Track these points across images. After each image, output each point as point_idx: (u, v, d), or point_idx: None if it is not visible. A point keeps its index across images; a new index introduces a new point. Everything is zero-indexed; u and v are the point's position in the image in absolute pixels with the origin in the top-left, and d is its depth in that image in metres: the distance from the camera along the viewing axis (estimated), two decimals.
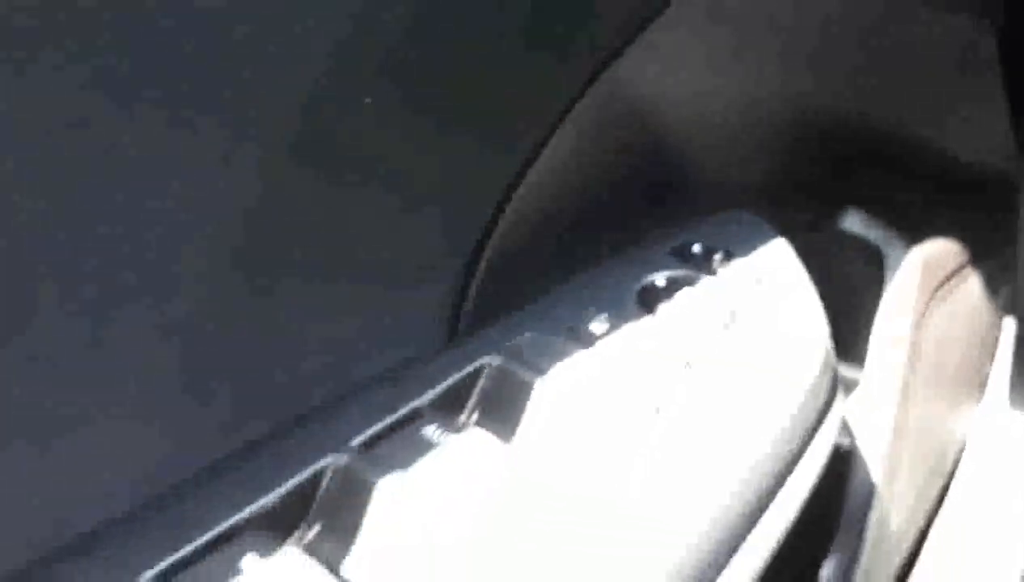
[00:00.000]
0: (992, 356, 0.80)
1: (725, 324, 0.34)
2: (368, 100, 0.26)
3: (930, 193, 0.62)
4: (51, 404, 0.23)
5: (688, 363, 0.32)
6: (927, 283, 0.56)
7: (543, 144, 0.33)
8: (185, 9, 0.23)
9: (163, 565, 0.23)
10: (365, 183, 0.28)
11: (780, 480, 0.31)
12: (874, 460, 0.52)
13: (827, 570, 0.53)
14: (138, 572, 0.23)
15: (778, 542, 0.32)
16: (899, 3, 0.44)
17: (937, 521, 0.74)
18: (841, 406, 0.36)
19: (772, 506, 0.31)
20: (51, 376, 0.23)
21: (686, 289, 0.36)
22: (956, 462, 0.77)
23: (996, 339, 0.80)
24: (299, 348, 0.28)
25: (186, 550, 0.24)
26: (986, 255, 0.69)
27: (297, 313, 0.28)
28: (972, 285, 0.67)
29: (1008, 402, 0.80)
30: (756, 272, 0.37)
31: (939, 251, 0.59)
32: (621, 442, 0.29)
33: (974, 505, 0.77)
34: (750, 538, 0.30)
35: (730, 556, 0.29)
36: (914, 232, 0.58)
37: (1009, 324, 0.81)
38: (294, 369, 0.28)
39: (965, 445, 0.79)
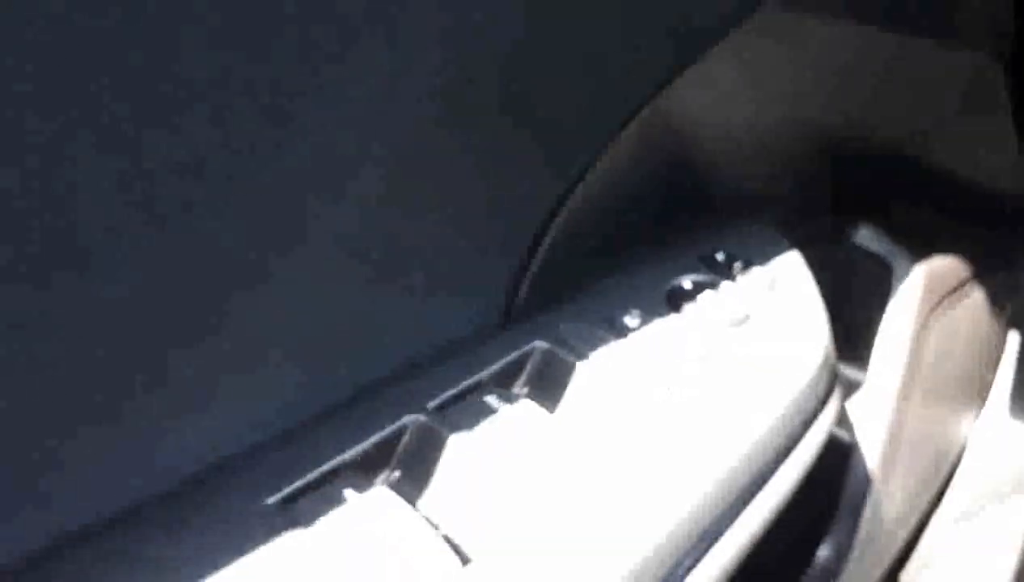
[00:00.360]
0: (995, 367, 0.85)
1: (739, 324, 0.40)
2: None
3: (937, 212, 0.67)
4: (199, 352, 0.29)
5: (704, 356, 0.38)
6: (929, 296, 0.61)
7: (593, 162, 0.39)
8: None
9: (285, 492, 0.29)
10: (448, 192, 0.34)
11: (779, 459, 0.37)
12: (872, 454, 0.58)
13: (824, 551, 0.58)
14: (266, 497, 0.29)
15: (775, 512, 0.37)
16: (913, 42, 0.49)
17: (934, 519, 0.79)
18: (838, 400, 0.42)
19: (772, 480, 0.37)
20: (207, 324, 0.29)
21: (708, 292, 0.42)
22: (955, 464, 0.82)
23: (1000, 351, 0.85)
24: (391, 323, 0.34)
25: (301, 482, 0.30)
26: (991, 272, 0.73)
27: (395, 301, 0.34)
28: (975, 299, 0.71)
29: (1008, 411, 0.85)
30: (769, 279, 0.43)
31: (943, 266, 0.64)
32: (644, 417, 0.35)
33: (971, 507, 0.82)
34: (750, 507, 0.36)
35: (732, 521, 0.35)
36: (920, 248, 0.63)
37: (1013, 337, 0.86)
38: (385, 341, 0.34)
39: (965, 449, 0.83)
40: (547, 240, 0.39)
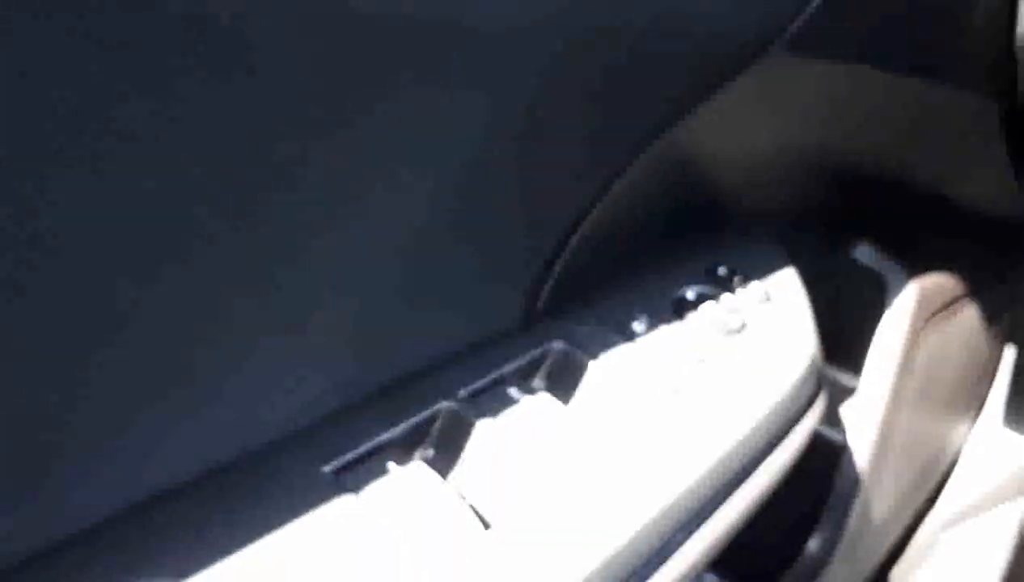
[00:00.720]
0: (991, 378, 0.89)
1: (736, 332, 0.45)
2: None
3: (934, 231, 0.71)
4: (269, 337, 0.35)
5: (703, 359, 0.43)
6: (921, 310, 0.66)
7: (611, 183, 0.44)
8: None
9: (339, 463, 0.35)
10: (480, 209, 0.39)
11: (766, 452, 0.42)
12: (861, 454, 0.63)
13: (813, 543, 0.63)
14: (322, 467, 0.35)
15: (760, 499, 0.42)
16: (911, 81, 0.54)
17: (926, 521, 0.83)
18: (823, 401, 0.47)
19: (758, 470, 0.42)
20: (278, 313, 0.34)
21: (710, 302, 0.47)
22: (949, 470, 0.86)
23: (996, 363, 0.89)
24: (429, 323, 0.39)
25: (352, 455, 0.35)
26: (985, 288, 0.78)
27: (434, 304, 0.39)
28: (969, 314, 0.76)
29: (1003, 421, 0.89)
30: (765, 293, 0.48)
31: (936, 283, 0.68)
32: (645, 412, 0.40)
33: (963, 511, 0.86)
34: (737, 493, 0.41)
35: (720, 503, 0.40)
36: (916, 265, 0.67)
37: (1009, 351, 0.90)
38: (424, 338, 0.39)
39: (959, 456, 0.87)
40: (567, 252, 0.44)
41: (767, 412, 0.42)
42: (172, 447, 0.33)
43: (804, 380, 0.45)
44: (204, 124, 0.28)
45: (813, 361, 0.45)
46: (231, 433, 0.35)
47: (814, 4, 0.41)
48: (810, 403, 0.46)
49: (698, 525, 0.38)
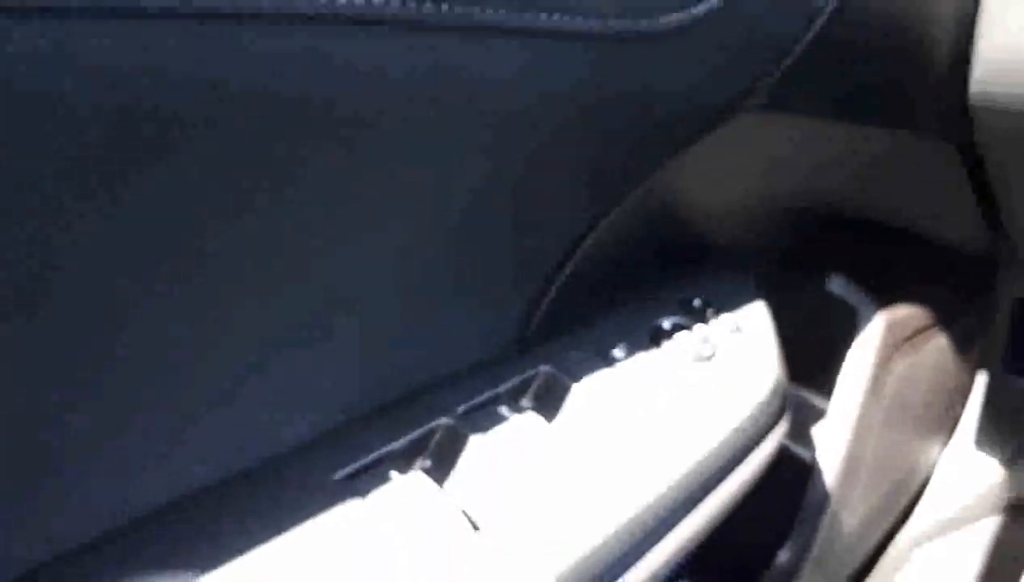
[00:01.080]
0: (963, 403, 0.94)
1: (706, 359, 0.49)
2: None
3: (904, 264, 0.76)
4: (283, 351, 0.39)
5: (676, 384, 0.47)
6: (890, 338, 0.70)
7: (597, 222, 0.49)
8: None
9: (347, 471, 0.39)
10: (476, 243, 0.44)
11: (730, 467, 0.47)
12: (830, 472, 0.67)
13: (782, 556, 0.67)
14: (332, 474, 0.39)
15: (725, 511, 0.47)
16: (879, 132, 0.59)
17: (898, 538, 0.88)
18: (787, 423, 0.51)
19: (723, 484, 0.46)
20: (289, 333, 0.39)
21: (684, 332, 0.51)
22: (921, 489, 0.91)
23: (969, 388, 0.94)
24: (430, 346, 0.44)
25: (359, 464, 0.40)
26: (956, 317, 0.82)
27: (435, 329, 0.44)
28: (940, 342, 0.80)
29: (974, 444, 0.93)
30: (736, 323, 0.53)
31: (905, 313, 0.73)
32: (622, 431, 0.45)
33: (934, 530, 0.90)
34: (703, 504, 0.45)
35: (688, 513, 0.44)
36: (887, 296, 0.72)
37: (981, 376, 0.95)
38: (425, 359, 0.44)
39: (932, 475, 0.92)
40: (555, 284, 0.49)
41: (732, 431, 0.47)
42: (193, 453, 0.37)
43: (768, 403, 0.49)
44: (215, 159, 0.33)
45: (777, 386, 0.50)
46: (249, 442, 0.39)
47: (784, 66, 0.46)
48: (774, 423, 0.50)
49: (669, 529, 0.43)
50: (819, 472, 0.67)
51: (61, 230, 0.28)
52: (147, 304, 0.33)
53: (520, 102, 0.37)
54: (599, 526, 0.40)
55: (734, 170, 0.54)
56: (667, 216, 0.55)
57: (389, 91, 0.32)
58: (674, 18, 0.38)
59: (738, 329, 0.52)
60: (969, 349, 0.88)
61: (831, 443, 0.67)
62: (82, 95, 0.25)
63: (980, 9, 0.51)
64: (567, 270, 0.49)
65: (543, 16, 0.34)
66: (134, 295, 0.32)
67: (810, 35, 0.45)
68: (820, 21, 0.45)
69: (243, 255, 0.35)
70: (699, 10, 0.38)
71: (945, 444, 0.92)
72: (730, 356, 0.50)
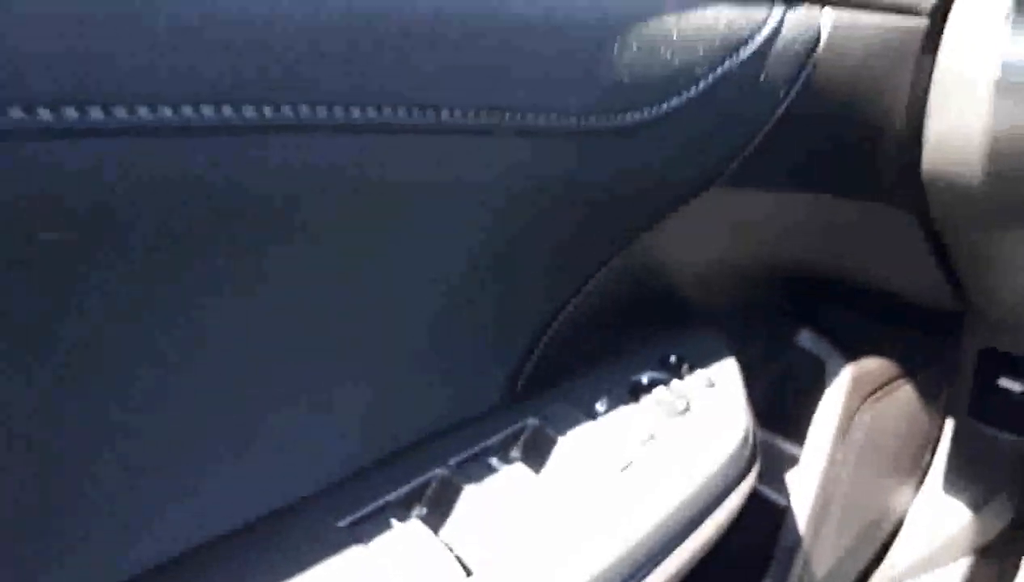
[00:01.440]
0: (932, 450, 0.98)
1: (682, 413, 0.54)
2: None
3: (871, 319, 0.80)
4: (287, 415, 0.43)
5: (653, 436, 0.51)
6: (857, 389, 0.75)
7: (580, 288, 0.53)
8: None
9: (351, 518, 0.43)
10: (470, 309, 0.48)
11: (705, 513, 0.51)
12: (802, 515, 0.71)
13: None
14: (337, 521, 0.43)
15: (700, 553, 0.51)
16: (845, 202, 0.63)
17: (871, 580, 0.91)
18: (756, 471, 0.55)
19: (698, 529, 0.50)
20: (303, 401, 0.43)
21: (661, 387, 0.56)
22: (893, 533, 0.94)
23: (937, 435, 0.98)
24: (430, 403, 0.48)
25: (362, 512, 0.44)
26: (922, 367, 0.87)
27: (434, 387, 0.48)
28: (907, 391, 0.85)
29: (943, 489, 0.97)
30: (709, 378, 0.57)
31: (872, 365, 0.77)
32: (603, 480, 0.48)
33: (906, 573, 0.94)
34: (679, 548, 0.49)
35: (664, 557, 0.48)
36: (854, 349, 0.77)
37: (949, 423, 0.99)
38: (423, 414, 0.48)
39: (903, 519, 0.96)
40: (541, 344, 0.53)
41: (706, 479, 0.51)
42: (206, 504, 0.41)
43: (738, 454, 0.53)
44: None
45: (746, 438, 0.54)
46: (257, 493, 0.43)
47: (749, 149, 0.51)
48: (746, 472, 0.54)
49: (648, 573, 0.47)
50: (792, 515, 0.70)
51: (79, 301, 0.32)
52: (154, 362, 0.36)
53: (506, 191, 0.42)
54: (583, 570, 0.43)
55: (705, 236, 0.58)
56: (644, 279, 0.59)
57: (391, 186, 0.37)
58: (646, 113, 0.43)
59: (711, 384, 0.57)
60: (936, 397, 0.92)
61: (803, 488, 0.71)
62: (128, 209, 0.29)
63: (930, 93, 0.56)
64: (551, 330, 0.53)
65: (529, 116, 0.38)
66: (141, 353, 0.35)
67: (773, 120, 0.50)
68: (783, 107, 0.49)
69: (253, 325, 0.39)
70: (669, 105, 0.43)
71: (916, 489, 0.96)
72: (704, 410, 0.54)
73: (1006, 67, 0.51)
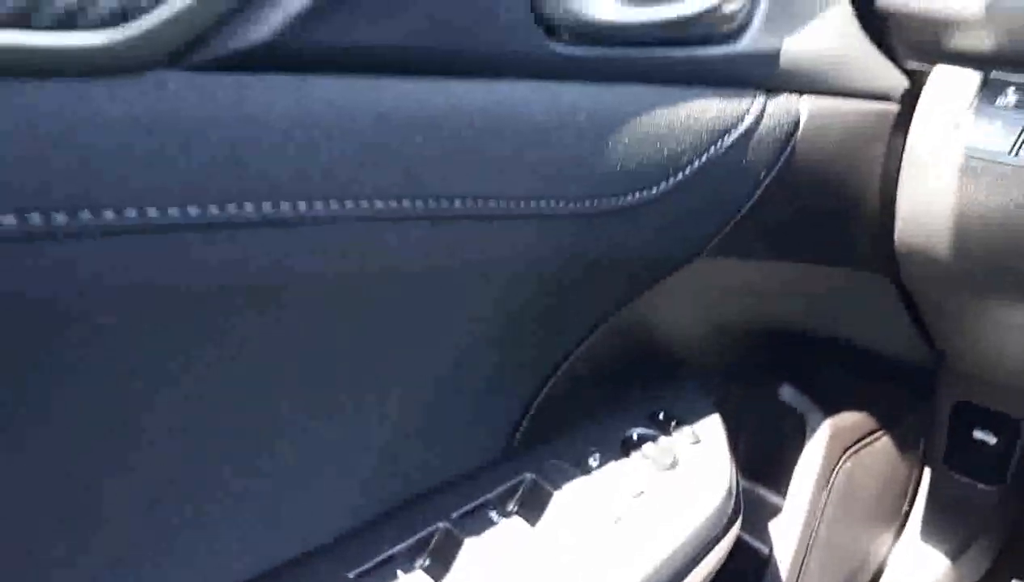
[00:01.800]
0: (913, 498, 1.01)
1: (670, 468, 0.57)
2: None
3: (849, 374, 0.84)
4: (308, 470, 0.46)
5: (643, 491, 0.55)
6: (837, 442, 0.78)
7: (574, 349, 0.57)
8: None
9: (360, 569, 0.46)
10: (471, 371, 0.52)
11: (693, 563, 0.54)
12: (784, 561, 0.74)
13: None
14: (348, 572, 0.46)
15: None
16: (823, 269, 0.67)
17: None
18: (739, 521, 0.59)
19: (687, 577, 0.53)
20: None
21: (650, 443, 0.59)
22: (874, 579, 0.97)
23: (916, 485, 1.01)
24: (433, 458, 0.51)
25: (370, 564, 0.47)
26: (899, 420, 0.90)
27: (437, 443, 0.51)
28: (885, 443, 0.88)
29: (920, 537, 1.00)
30: (695, 434, 0.60)
31: (850, 419, 0.81)
32: (598, 532, 0.52)
33: None
34: None
35: None
36: (833, 403, 0.80)
37: (927, 473, 1.02)
38: (428, 469, 0.51)
39: (884, 566, 0.99)
40: (537, 402, 0.57)
41: (693, 531, 0.54)
42: (215, 556, 0.44)
43: (723, 507, 0.57)
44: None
45: (730, 492, 0.57)
46: (271, 545, 0.46)
47: (732, 223, 0.55)
48: (730, 524, 0.58)
49: None
50: (775, 563, 0.74)
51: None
52: (160, 424, 0.38)
53: (508, 269, 0.45)
54: None
55: (692, 301, 0.62)
56: (634, 339, 0.63)
57: (400, 268, 0.40)
58: (638, 196, 0.46)
59: (697, 440, 0.60)
60: (914, 449, 0.95)
61: (786, 536, 0.75)
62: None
63: (901, 172, 0.60)
64: (546, 391, 0.57)
65: (532, 203, 0.42)
66: (153, 413, 0.38)
67: (755, 198, 0.54)
68: (763, 186, 0.54)
69: (260, 385, 0.42)
70: (659, 189, 0.47)
71: (896, 537, 0.99)
72: (690, 465, 0.58)
73: (970, 151, 0.55)
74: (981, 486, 0.98)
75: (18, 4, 0.25)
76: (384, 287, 0.42)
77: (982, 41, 0.54)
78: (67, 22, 0.26)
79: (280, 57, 0.31)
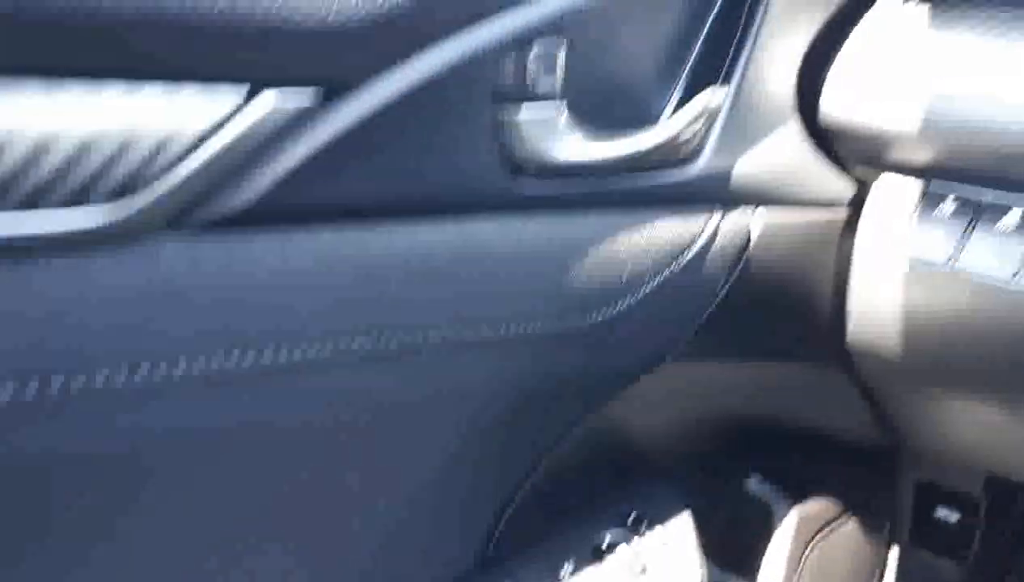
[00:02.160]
0: (881, 577, 1.02)
1: (641, 573, 0.58)
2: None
3: (812, 461, 0.86)
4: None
5: None
6: (804, 529, 0.80)
7: (540, 460, 0.58)
8: None
9: None
10: (442, 487, 0.53)
11: None
12: None
13: None
14: None
15: None
16: (788, 367, 0.70)
17: None
18: None
19: None
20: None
21: (623, 546, 0.60)
22: None
23: (884, 564, 1.03)
24: (416, 567, 0.52)
25: None
26: (863, 503, 0.92)
27: (416, 553, 0.52)
28: (851, 525, 0.90)
29: None
30: (665, 536, 0.62)
31: (817, 506, 0.83)
32: None
33: None
34: None
35: None
36: (799, 491, 0.82)
37: (894, 551, 1.04)
38: (392, 578, 0.52)
39: None
40: (509, 510, 0.58)
41: None
42: None
43: None
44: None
45: None
46: None
47: (691, 332, 0.57)
48: None
49: None
50: None
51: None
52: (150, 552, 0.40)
53: (479, 391, 0.47)
54: None
55: (658, 402, 0.64)
56: (603, 440, 0.64)
57: (375, 399, 0.42)
58: (602, 313, 0.49)
59: (666, 543, 0.61)
60: (880, 529, 0.97)
61: None
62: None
63: (850, 275, 0.63)
64: (518, 500, 0.58)
65: (502, 327, 0.44)
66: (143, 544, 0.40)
67: (713, 307, 0.56)
68: (719, 297, 0.56)
69: (247, 513, 0.43)
70: (620, 307, 0.49)
71: None
72: (660, 569, 0.59)
73: (912, 260, 0.58)
74: (945, 562, 1.00)
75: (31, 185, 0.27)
76: (360, 415, 0.43)
77: (921, 154, 0.58)
78: (76, 199, 0.28)
79: (265, 217, 0.33)
